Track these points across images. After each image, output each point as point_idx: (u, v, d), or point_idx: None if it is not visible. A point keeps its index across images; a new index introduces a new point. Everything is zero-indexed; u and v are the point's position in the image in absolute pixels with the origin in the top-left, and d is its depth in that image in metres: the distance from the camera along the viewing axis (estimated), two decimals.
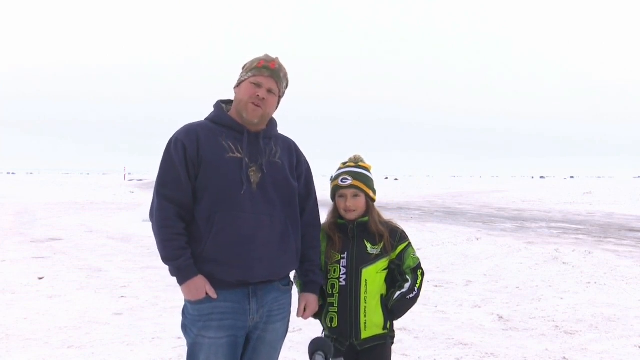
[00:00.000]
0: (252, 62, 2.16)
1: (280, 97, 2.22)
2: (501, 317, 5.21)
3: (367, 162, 2.50)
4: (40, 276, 6.92)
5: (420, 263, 2.43)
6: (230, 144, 2.10)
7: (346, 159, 2.50)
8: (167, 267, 2.08)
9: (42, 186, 44.21)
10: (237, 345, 2.09)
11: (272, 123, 2.25)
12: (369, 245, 2.36)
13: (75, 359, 3.96)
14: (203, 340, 2.05)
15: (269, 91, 2.13)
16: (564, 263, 8.18)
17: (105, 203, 23.54)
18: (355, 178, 2.39)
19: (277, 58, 2.19)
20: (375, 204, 2.48)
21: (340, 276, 2.35)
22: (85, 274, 7.21)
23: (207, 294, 2.03)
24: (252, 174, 2.09)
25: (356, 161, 2.47)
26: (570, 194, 35.97)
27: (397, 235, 2.41)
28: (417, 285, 2.38)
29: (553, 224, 15.13)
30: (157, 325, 4.76)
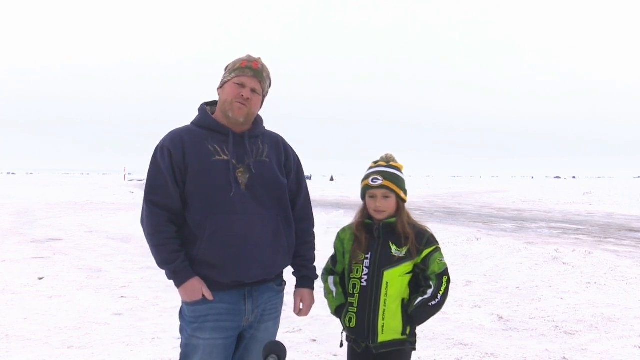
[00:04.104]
0: (235, 63, 2.15)
1: (264, 97, 2.22)
2: (501, 317, 5.21)
3: (399, 161, 2.42)
4: (40, 276, 6.91)
5: (447, 269, 2.33)
6: (217, 147, 2.09)
7: (377, 158, 2.43)
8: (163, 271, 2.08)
9: (42, 186, 44.21)
10: (231, 345, 2.10)
11: (258, 121, 2.24)
12: (393, 247, 2.29)
13: (75, 359, 3.96)
14: (197, 342, 2.05)
15: (253, 91, 2.13)
16: (564, 263, 8.17)
17: (105, 203, 23.53)
18: (386, 178, 2.32)
19: (259, 58, 2.18)
20: None
21: (362, 276, 2.30)
22: (85, 274, 7.20)
23: (203, 295, 2.04)
24: (240, 175, 2.08)
25: (388, 160, 2.39)
26: (570, 194, 35.97)
27: (424, 239, 2.32)
28: (441, 292, 2.28)
29: (553, 224, 15.13)
30: (157, 325, 4.77)
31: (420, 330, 4.70)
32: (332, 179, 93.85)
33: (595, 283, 6.77)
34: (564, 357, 4.11)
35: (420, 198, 32.02)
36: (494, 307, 5.63)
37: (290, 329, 4.56)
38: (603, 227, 14.38)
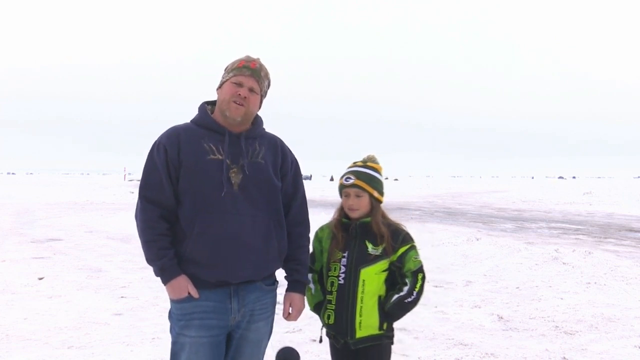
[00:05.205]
0: (233, 63, 2.17)
1: (262, 97, 2.22)
2: (501, 317, 5.21)
3: (380, 163, 2.49)
4: (40, 276, 6.91)
5: (422, 267, 2.39)
6: (212, 146, 2.10)
7: (358, 159, 2.50)
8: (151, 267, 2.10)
9: (42, 186, 44.21)
10: (218, 344, 2.10)
11: (257, 122, 2.24)
12: (370, 246, 2.35)
13: (75, 359, 3.96)
14: (184, 340, 2.06)
15: (251, 90, 2.13)
16: (564, 263, 8.17)
17: (105, 203, 23.53)
18: (359, 178, 2.39)
19: (258, 58, 2.20)
20: None
21: (340, 274, 2.36)
22: (85, 274, 7.21)
23: (189, 293, 2.05)
24: (233, 175, 2.09)
25: (365, 161, 2.47)
26: (570, 194, 35.97)
27: (400, 237, 2.38)
28: (417, 289, 2.34)
29: (553, 224, 15.13)
30: (157, 325, 4.77)
31: (420, 330, 4.72)
32: (332, 179, 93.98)
33: (595, 283, 6.77)
34: (564, 357, 4.11)
35: (420, 198, 32.02)
36: (494, 307, 5.63)
37: (290, 329, 4.56)
38: (603, 227, 14.38)
